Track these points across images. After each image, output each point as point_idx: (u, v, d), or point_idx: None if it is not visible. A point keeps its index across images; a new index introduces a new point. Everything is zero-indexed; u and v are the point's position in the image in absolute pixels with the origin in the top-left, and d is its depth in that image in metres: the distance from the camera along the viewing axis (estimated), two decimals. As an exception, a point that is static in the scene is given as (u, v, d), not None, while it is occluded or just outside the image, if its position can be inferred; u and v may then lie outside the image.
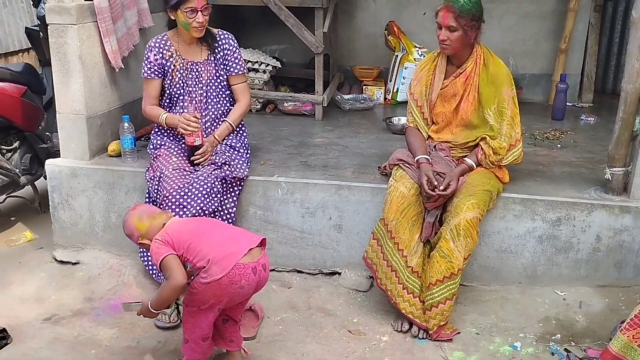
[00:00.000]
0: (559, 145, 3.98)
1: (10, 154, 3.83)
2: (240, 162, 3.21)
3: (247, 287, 2.30)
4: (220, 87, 3.28)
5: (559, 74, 4.95)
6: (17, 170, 3.80)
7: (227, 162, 3.12)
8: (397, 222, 2.81)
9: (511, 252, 3.12)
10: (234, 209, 3.14)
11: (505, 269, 3.15)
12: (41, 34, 3.88)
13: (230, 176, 3.09)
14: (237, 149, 3.27)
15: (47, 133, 3.95)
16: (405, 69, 4.94)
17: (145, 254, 3.12)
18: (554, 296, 3.07)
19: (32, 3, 4.14)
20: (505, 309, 3.00)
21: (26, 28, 4.32)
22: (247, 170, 3.22)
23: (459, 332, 2.83)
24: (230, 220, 3.12)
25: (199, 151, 3.09)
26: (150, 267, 3.11)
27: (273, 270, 3.26)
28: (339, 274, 3.28)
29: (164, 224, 2.38)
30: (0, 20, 6.79)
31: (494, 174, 3.00)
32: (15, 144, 3.86)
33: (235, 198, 3.16)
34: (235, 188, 3.17)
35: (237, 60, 3.27)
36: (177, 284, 2.22)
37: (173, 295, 2.28)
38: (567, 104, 4.76)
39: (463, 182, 2.89)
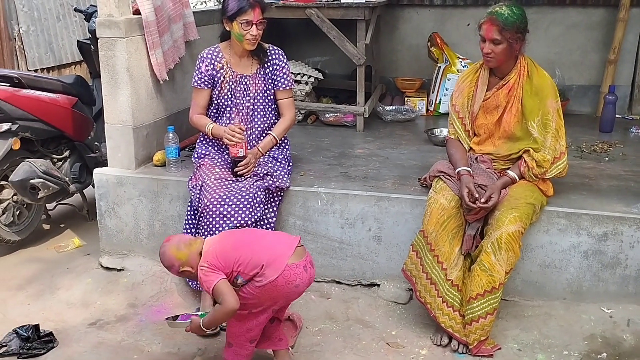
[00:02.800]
0: (606, 158, 3.87)
1: (60, 162, 3.95)
2: (283, 172, 3.24)
3: (302, 284, 2.41)
4: (267, 100, 3.32)
5: (607, 85, 4.83)
6: (67, 178, 3.91)
7: (270, 173, 3.15)
8: (437, 234, 2.78)
9: (555, 267, 3.04)
10: (274, 218, 3.17)
11: (549, 284, 3.07)
12: (92, 47, 4.01)
13: (273, 185, 3.12)
14: (279, 160, 3.30)
15: (96, 143, 4.06)
16: (448, 80, 4.91)
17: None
18: (600, 313, 2.98)
19: (84, 17, 4.28)
20: (548, 325, 2.93)
21: (78, 41, 4.46)
22: (288, 180, 3.25)
23: (499, 348, 2.78)
24: (269, 230, 3.14)
25: (242, 162, 3.12)
26: (189, 279, 3.16)
27: (312, 280, 3.27)
28: (378, 285, 3.27)
29: (201, 250, 2.42)
30: (54, 33, 7.07)
31: (538, 187, 2.94)
32: (66, 153, 3.98)
33: (275, 208, 3.19)
34: (276, 198, 3.20)
35: (285, 76, 3.30)
36: (231, 308, 2.30)
37: (226, 319, 2.40)
38: (617, 116, 4.63)
39: (505, 194, 2.84)
